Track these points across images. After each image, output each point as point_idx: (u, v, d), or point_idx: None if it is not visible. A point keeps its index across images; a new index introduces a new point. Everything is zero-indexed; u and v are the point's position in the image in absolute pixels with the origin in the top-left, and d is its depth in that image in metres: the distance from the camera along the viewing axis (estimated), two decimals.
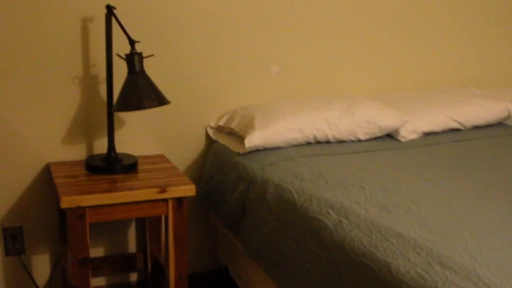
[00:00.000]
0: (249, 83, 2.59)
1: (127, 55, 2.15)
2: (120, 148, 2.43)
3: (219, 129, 2.55)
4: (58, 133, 2.37)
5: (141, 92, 2.15)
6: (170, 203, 2.17)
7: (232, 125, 2.44)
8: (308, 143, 2.38)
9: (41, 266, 2.46)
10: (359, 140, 2.44)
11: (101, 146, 2.42)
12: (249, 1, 2.52)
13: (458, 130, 2.58)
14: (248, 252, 2.19)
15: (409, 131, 2.47)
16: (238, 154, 2.32)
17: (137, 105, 2.15)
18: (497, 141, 2.48)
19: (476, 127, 2.61)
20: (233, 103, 2.57)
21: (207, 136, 2.57)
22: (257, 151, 2.31)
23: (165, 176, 2.25)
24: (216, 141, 2.51)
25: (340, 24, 2.68)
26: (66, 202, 2.04)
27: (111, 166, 2.28)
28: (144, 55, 2.17)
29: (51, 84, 2.32)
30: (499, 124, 2.67)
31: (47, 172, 2.37)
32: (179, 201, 2.18)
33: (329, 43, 2.68)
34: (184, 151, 2.56)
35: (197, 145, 2.57)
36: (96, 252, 2.52)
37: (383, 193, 1.88)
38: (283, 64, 2.62)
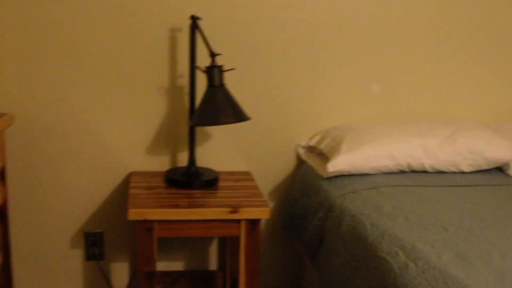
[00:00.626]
0: (346, 102, 2.41)
1: (206, 67, 2.07)
2: (205, 162, 2.36)
3: (310, 149, 2.40)
4: (142, 143, 2.34)
5: (218, 107, 2.06)
6: (242, 224, 2.05)
7: (321, 146, 2.29)
8: (402, 172, 2.17)
9: (120, 273, 2.44)
10: (463, 172, 2.19)
11: (185, 159, 2.35)
12: (348, 12, 2.34)
13: None
14: (321, 284, 2.03)
15: None
16: (323, 178, 2.16)
17: (213, 121, 2.06)
18: None
19: None
20: (327, 123, 2.41)
21: (298, 156, 2.43)
22: (342, 176, 2.14)
23: (243, 195, 2.14)
24: (305, 162, 2.36)
25: (451, 40, 2.43)
26: (134, 214, 1.99)
27: (190, 180, 2.20)
28: (232, 68, 2.09)
29: (138, 94, 2.29)
30: None
31: (129, 181, 2.34)
32: (252, 222, 2.05)
33: (439, 61, 2.43)
34: (272, 170, 2.43)
35: (286, 165, 2.44)
36: (176, 265, 2.46)
37: (466, 236, 1.64)
38: (385, 83, 2.42)
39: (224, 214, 2.03)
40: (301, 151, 2.41)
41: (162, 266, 2.46)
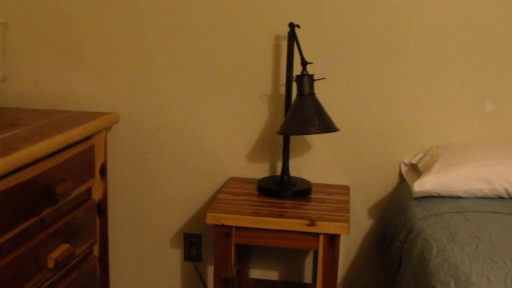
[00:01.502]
0: (454, 120, 2.25)
1: (296, 76, 2.05)
2: (303, 172, 2.34)
3: (412, 167, 2.28)
4: (243, 149, 2.37)
5: (304, 117, 2.03)
6: (321, 239, 2.00)
7: (420, 164, 2.16)
8: (501, 198, 1.98)
9: None
10: None
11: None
12: (459, 24, 2.18)
13: None
14: None
15: None
16: (412, 198, 2.04)
17: (297, 130, 2.03)
18: None
19: None
20: (433, 140, 2.26)
21: (401, 174, 2.31)
22: (432, 197, 2.00)
23: (328, 209, 2.08)
24: (405, 180, 2.24)
25: None
26: (211, 218, 2.03)
27: (280, 190, 2.19)
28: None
29: (241, 101, 2.33)
30: None
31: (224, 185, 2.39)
32: (331, 237, 1.99)
33: None
34: (373, 186, 2.34)
35: (388, 182, 2.33)
36: (271, 275, 2.46)
37: None
38: (500, 101, 2.22)
39: (300, 226, 1.99)
40: (403, 169, 2.29)
41: (256, 273, 2.47)
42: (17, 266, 1.77)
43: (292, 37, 2.13)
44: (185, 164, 2.41)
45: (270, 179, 2.30)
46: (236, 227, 2.03)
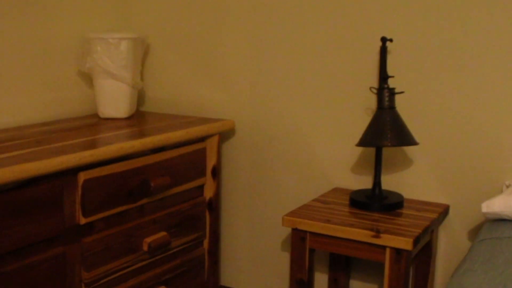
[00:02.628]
0: None
1: (376, 89, 2.08)
2: (401, 187, 2.34)
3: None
4: (348, 160, 2.43)
5: (379, 129, 2.05)
6: (387, 252, 2.00)
7: (507, 183, 2.04)
8: None
9: (319, 284, 2.57)
10: None
11: (387, 181, 2.36)
12: None
13: None
14: None
15: None
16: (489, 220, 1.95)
17: (370, 142, 2.07)
18: None
19: None
20: None
21: None
22: (505, 220, 1.89)
23: (405, 224, 2.07)
24: None
25: None
26: (286, 221, 2.15)
27: (369, 202, 2.22)
28: (402, 91, 2.06)
29: (349, 113, 2.40)
30: None
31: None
32: (398, 252, 1.99)
33: None
34: (474, 206, 2.24)
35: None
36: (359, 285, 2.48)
37: None
38: None
39: (366, 237, 2.02)
40: (504, 189, 2.16)
41: (358, 285, 2.50)
42: (107, 243, 2.08)
43: (383, 52, 2.16)
44: (293, 170, 2.54)
45: (363, 191, 2.33)
46: (311, 233, 2.13)
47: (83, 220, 1.99)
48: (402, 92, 2.08)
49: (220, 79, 2.62)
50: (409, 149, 2.31)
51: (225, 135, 2.65)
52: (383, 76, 2.08)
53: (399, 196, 2.28)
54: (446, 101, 2.22)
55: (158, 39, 2.73)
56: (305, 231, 2.13)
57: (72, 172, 1.95)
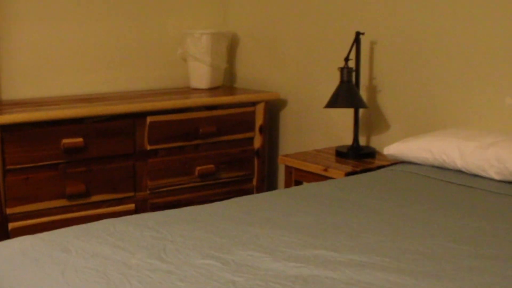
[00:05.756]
0: (477, 112, 2.67)
1: (339, 68, 2.89)
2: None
3: None
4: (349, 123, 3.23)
5: (338, 95, 2.86)
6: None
7: None
8: (445, 168, 2.45)
9: None
10: (493, 179, 2.30)
11: (374, 140, 3.13)
12: None
13: None
14: None
15: None
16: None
17: (330, 104, 2.88)
18: None
19: None
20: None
21: None
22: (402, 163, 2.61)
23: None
24: None
25: None
26: (282, 160, 3.05)
27: (346, 153, 3.01)
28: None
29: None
30: None
31: None
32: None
33: None
34: None
35: None
36: None
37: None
38: None
39: (317, 169, 2.85)
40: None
41: None
42: (167, 164, 3.19)
43: (356, 44, 2.96)
44: (317, 129, 3.41)
45: (347, 146, 3.11)
46: (295, 168, 3.01)
47: (148, 147, 3.13)
48: (354, 70, 2.87)
49: (282, 66, 3.58)
50: (388, 116, 3.05)
51: (277, 103, 3.58)
52: (346, 58, 2.89)
53: (371, 148, 3.04)
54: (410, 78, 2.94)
55: (247, 33, 3.77)
56: (290, 167, 3.02)
57: (142, 115, 3.11)
